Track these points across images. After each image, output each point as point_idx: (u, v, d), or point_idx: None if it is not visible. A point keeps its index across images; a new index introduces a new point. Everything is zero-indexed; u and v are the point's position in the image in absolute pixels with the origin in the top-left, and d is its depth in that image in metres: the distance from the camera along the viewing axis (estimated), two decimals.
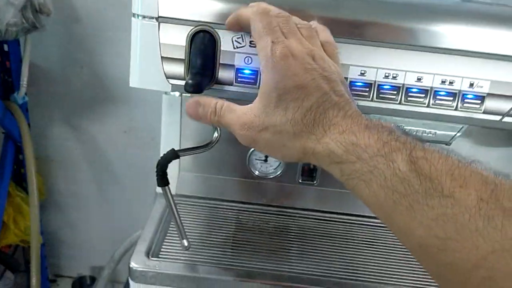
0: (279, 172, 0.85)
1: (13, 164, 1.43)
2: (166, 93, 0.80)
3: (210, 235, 0.77)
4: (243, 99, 0.60)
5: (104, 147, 1.68)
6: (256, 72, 0.58)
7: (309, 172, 0.85)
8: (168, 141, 0.80)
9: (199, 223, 0.80)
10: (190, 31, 0.55)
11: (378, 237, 0.81)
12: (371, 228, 0.83)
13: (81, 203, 1.77)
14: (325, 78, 0.43)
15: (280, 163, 0.85)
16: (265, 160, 0.85)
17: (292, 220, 0.83)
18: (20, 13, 1.13)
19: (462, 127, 0.62)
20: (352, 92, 0.58)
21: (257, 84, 0.58)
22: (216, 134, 0.68)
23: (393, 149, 0.36)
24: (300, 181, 0.86)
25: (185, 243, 0.69)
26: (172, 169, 0.83)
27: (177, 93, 0.79)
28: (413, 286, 0.71)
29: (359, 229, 0.82)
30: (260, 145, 0.45)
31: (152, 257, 0.71)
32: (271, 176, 0.85)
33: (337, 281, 0.70)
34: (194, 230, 0.78)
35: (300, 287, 0.69)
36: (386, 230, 0.83)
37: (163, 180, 0.66)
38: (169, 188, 0.67)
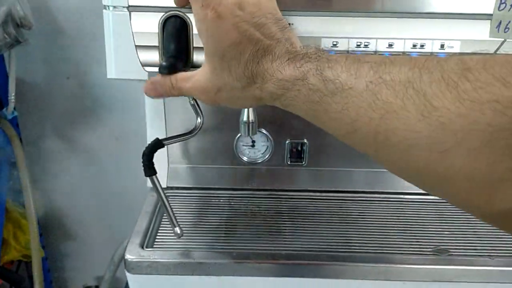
0: (267, 156, 0.86)
1: (8, 180, 1.43)
2: None
3: (203, 223, 0.78)
4: None
5: (98, 155, 1.68)
6: None
7: (297, 154, 0.86)
8: (154, 135, 0.80)
9: (191, 212, 0.81)
10: (161, 17, 0.55)
11: (369, 210, 0.82)
12: (362, 203, 0.84)
13: (79, 214, 1.77)
14: (255, 25, 0.47)
15: (267, 147, 0.86)
16: (253, 146, 0.85)
17: (283, 202, 0.83)
18: (1, 28, 1.14)
19: None
20: None
21: None
22: (199, 120, 0.69)
23: (306, 70, 0.43)
24: (288, 163, 0.86)
25: (178, 230, 0.69)
26: (162, 162, 0.85)
27: None
28: (407, 254, 0.72)
29: (350, 205, 0.83)
30: (221, 103, 0.52)
31: (146, 247, 0.71)
32: (260, 161, 0.86)
33: (333, 254, 0.71)
34: (187, 219, 0.79)
35: (295, 263, 0.69)
36: (377, 203, 0.84)
37: (150, 169, 0.67)
38: (156, 177, 0.67)
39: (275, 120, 0.84)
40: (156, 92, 0.55)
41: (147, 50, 0.58)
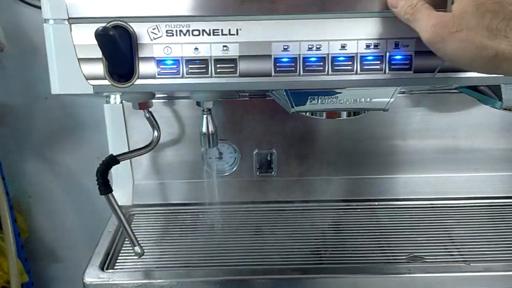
0: (234, 169, 0.83)
1: None
2: (106, 102, 0.78)
3: (167, 240, 0.75)
4: (166, 91, 0.59)
5: (80, 176, 1.65)
6: (178, 62, 0.56)
7: (266, 164, 0.83)
8: (117, 149, 0.78)
9: (156, 229, 0.78)
10: (98, 28, 0.52)
11: (342, 219, 0.79)
12: (334, 212, 0.81)
13: (65, 235, 1.73)
14: None
15: (235, 159, 0.83)
16: (220, 158, 0.83)
17: (252, 215, 0.81)
18: None
19: (396, 90, 0.61)
20: (278, 68, 0.56)
21: (181, 75, 0.56)
22: (156, 134, 0.66)
23: None
24: (257, 174, 0.84)
25: (138, 249, 0.67)
26: (127, 179, 0.82)
27: (118, 101, 0.78)
28: (379, 264, 0.69)
29: (322, 215, 0.81)
30: (449, 45, 0.47)
31: (107, 269, 0.68)
32: (227, 173, 0.83)
33: (302, 267, 0.68)
34: (152, 237, 0.76)
35: (262, 278, 0.66)
36: (350, 211, 0.82)
37: (105, 187, 0.64)
38: (112, 195, 0.65)
39: (242, 131, 0.82)
40: (396, 4, 0.52)
41: (91, 62, 0.56)
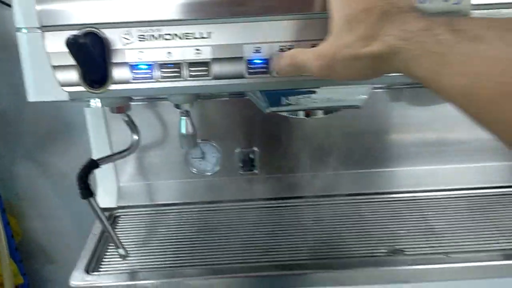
0: (217, 168, 0.84)
1: None
2: (87, 106, 0.79)
3: (152, 241, 0.76)
4: (140, 95, 0.59)
5: (71, 177, 1.65)
6: (151, 66, 0.57)
7: (249, 163, 0.84)
8: (100, 152, 0.78)
9: (141, 231, 0.79)
10: (69, 36, 0.53)
11: (324, 214, 0.80)
12: (317, 207, 0.82)
13: (59, 237, 1.74)
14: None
15: (217, 158, 0.84)
16: (203, 158, 0.84)
17: (236, 213, 0.81)
18: None
19: (368, 88, 0.62)
20: (251, 70, 0.57)
21: (155, 79, 0.57)
22: (135, 137, 0.67)
23: (433, 21, 0.42)
24: (241, 172, 0.85)
25: (122, 251, 0.68)
26: (110, 181, 0.83)
27: (99, 104, 0.78)
28: (360, 257, 0.70)
29: (305, 210, 0.81)
30: (337, 69, 0.48)
31: (92, 272, 0.69)
32: (210, 173, 0.84)
33: (282, 264, 0.69)
34: (136, 239, 0.76)
35: (245, 276, 0.68)
36: (332, 206, 0.83)
37: (86, 191, 0.65)
38: (94, 199, 0.65)
39: (223, 130, 0.83)
40: (278, 67, 0.55)
41: (64, 69, 0.56)
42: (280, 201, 0.84)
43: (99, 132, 0.80)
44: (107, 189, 0.84)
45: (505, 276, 0.69)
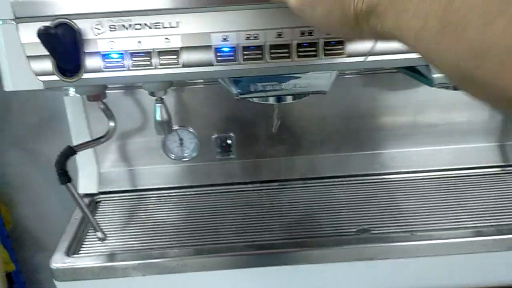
0: (195, 154, 0.86)
1: None
2: (66, 94, 0.81)
3: (131, 225, 0.79)
4: (113, 83, 0.61)
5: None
6: (122, 55, 0.59)
7: (227, 147, 0.87)
8: (79, 139, 0.81)
9: (121, 215, 0.81)
10: (40, 27, 0.55)
11: (296, 197, 0.83)
12: (290, 190, 0.85)
13: (50, 224, 1.76)
14: None
15: (195, 144, 0.86)
16: (181, 143, 0.86)
17: (213, 197, 0.84)
18: None
19: (333, 74, 0.64)
20: (219, 58, 0.59)
21: (126, 67, 0.59)
22: (112, 124, 0.69)
23: None
24: (218, 157, 0.87)
25: (100, 234, 0.70)
26: (91, 168, 0.85)
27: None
28: (328, 237, 0.73)
29: (279, 193, 0.84)
30: (319, 9, 0.45)
31: (73, 254, 0.72)
32: (189, 158, 0.87)
33: (252, 244, 0.72)
34: (117, 223, 0.79)
35: (220, 256, 0.70)
36: (304, 189, 0.86)
37: (64, 177, 0.67)
38: (72, 184, 0.68)
39: (201, 116, 0.85)
40: None
41: (39, 59, 0.58)
42: (256, 184, 0.87)
43: (78, 120, 0.82)
44: (88, 175, 0.86)
45: (468, 252, 0.72)
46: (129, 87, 0.82)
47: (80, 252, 0.73)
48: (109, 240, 0.74)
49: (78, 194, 0.68)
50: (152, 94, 0.70)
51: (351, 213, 0.79)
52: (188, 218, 0.80)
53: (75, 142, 0.83)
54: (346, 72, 0.84)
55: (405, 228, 0.75)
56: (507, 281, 0.75)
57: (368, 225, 0.76)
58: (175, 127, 0.85)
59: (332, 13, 0.45)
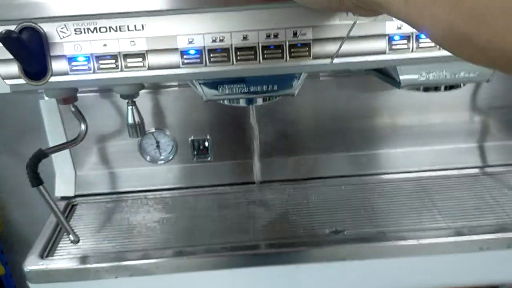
0: (171, 157, 0.87)
1: None
2: (41, 98, 0.81)
3: (107, 228, 0.79)
4: (79, 86, 0.62)
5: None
6: (88, 58, 0.59)
7: (204, 150, 0.87)
8: (55, 142, 0.81)
9: (97, 218, 0.81)
10: (1, 31, 0.55)
11: (271, 199, 0.83)
12: (265, 192, 0.85)
13: (40, 228, 1.76)
14: None
15: (172, 147, 0.86)
16: (158, 146, 0.86)
17: (191, 199, 0.84)
18: None
19: (299, 76, 0.64)
20: (185, 60, 0.60)
21: (92, 70, 0.59)
22: (83, 127, 0.69)
23: None
24: (195, 160, 0.87)
25: (72, 237, 0.70)
26: (68, 170, 0.85)
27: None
28: (301, 237, 0.73)
29: (254, 195, 0.84)
30: None
31: (46, 257, 0.72)
32: (165, 161, 0.87)
33: (224, 246, 0.72)
34: (92, 226, 0.79)
35: (195, 258, 0.71)
36: (278, 191, 0.86)
37: (36, 180, 0.67)
38: (43, 187, 0.68)
39: (177, 119, 0.85)
40: None
41: (5, 63, 0.58)
42: (232, 187, 0.87)
43: (54, 123, 0.82)
44: (65, 179, 0.87)
45: (441, 253, 0.72)
46: (105, 90, 0.83)
47: (55, 254, 0.73)
48: (84, 242, 0.75)
49: (50, 196, 0.68)
50: (124, 96, 0.71)
51: (325, 214, 0.79)
52: (164, 220, 0.80)
53: (51, 144, 0.83)
54: (322, 74, 0.84)
55: (379, 229, 0.75)
56: (481, 281, 0.75)
57: (342, 226, 0.76)
58: (152, 129, 0.85)
59: None
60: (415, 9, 0.36)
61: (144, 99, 0.83)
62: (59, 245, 0.75)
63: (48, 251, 0.73)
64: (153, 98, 0.84)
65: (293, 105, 0.87)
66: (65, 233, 0.75)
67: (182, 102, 0.85)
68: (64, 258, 0.72)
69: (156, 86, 0.83)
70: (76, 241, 0.70)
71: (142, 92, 0.82)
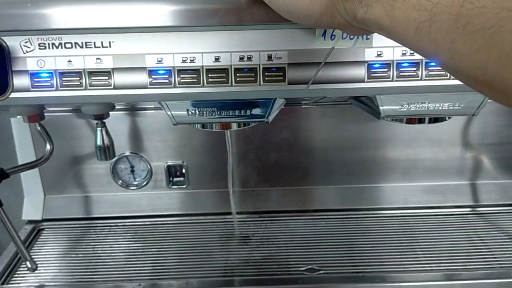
0: (145, 183, 0.83)
1: None
2: (12, 116, 0.78)
3: (70, 255, 0.74)
4: (41, 103, 0.59)
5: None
6: (51, 75, 0.56)
7: (178, 176, 0.83)
8: (25, 161, 0.77)
9: (62, 245, 0.77)
10: None
11: (245, 232, 0.79)
12: (242, 224, 0.81)
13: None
14: None
15: (147, 173, 0.83)
16: (132, 171, 0.83)
17: (162, 229, 0.80)
18: None
19: (276, 102, 0.61)
20: (153, 80, 0.57)
21: (55, 87, 0.56)
22: (48, 147, 0.66)
23: None
24: (170, 186, 0.84)
25: (29, 264, 0.66)
26: (37, 193, 0.82)
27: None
28: (274, 275, 0.69)
29: (230, 228, 0.80)
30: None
31: (3, 284, 0.68)
32: (139, 187, 0.83)
33: (203, 280, 0.68)
34: (55, 253, 0.75)
35: None
36: (251, 224, 0.81)
37: None
38: (3, 209, 0.64)
39: (153, 143, 0.82)
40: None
41: None
42: (207, 217, 0.83)
43: (24, 141, 0.79)
44: (33, 202, 0.83)
45: None
46: (78, 109, 0.79)
47: (11, 282, 0.69)
48: (44, 270, 0.70)
49: (9, 219, 0.64)
50: (93, 117, 0.68)
51: (303, 250, 0.75)
52: (132, 251, 0.75)
53: (20, 163, 0.80)
54: (304, 102, 0.81)
55: (358, 269, 0.70)
56: None
57: (319, 264, 0.71)
58: (126, 153, 0.82)
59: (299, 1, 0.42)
60: (428, 40, 0.35)
61: (119, 121, 0.80)
62: (17, 273, 0.71)
63: (4, 279, 0.69)
64: (128, 120, 0.81)
65: (275, 133, 0.83)
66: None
67: (159, 125, 0.81)
68: (21, 287, 0.67)
69: (132, 108, 0.80)
70: (33, 269, 0.66)
71: (118, 113, 0.80)
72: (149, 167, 0.82)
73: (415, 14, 0.35)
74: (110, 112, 0.78)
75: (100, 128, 0.68)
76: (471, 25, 0.31)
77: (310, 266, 0.70)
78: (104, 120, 0.68)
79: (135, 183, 0.83)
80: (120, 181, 0.83)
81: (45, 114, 0.76)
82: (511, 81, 0.31)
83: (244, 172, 0.84)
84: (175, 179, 0.84)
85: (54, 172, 0.82)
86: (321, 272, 0.69)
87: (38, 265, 0.68)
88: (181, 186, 0.84)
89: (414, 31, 0.35)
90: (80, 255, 0.75)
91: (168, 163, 0.83)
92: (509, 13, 0.29)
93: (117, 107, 0.79)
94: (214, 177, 0.84)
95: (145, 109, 0.80)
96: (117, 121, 0.80)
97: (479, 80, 0.33)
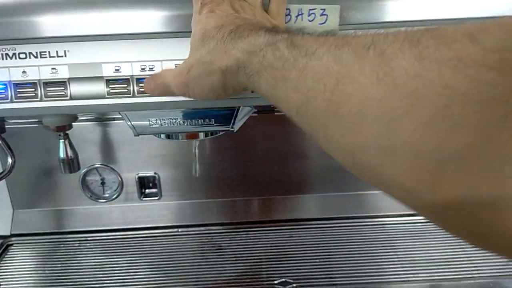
0: (116, 195, 0.81)
1: None
2: None
3: (41, 272, 0.72)
4: None
5: None
6: (5, 86, 0.54)
7: (151, 188, 0.81)
8: None
9: (31, 261, 0.75)
10: None
11: (222, 244, 0.77)
12: (219, 236, 0.79)
13: None
14: (243, 19, 0.47)
15: (118, 185, 0.81)
16: (103, 183, 0.81)
17: (135, 243, 0.78)
18: None
19: (237, 110, 0.59)
20: (111, 90, 0.55)
21: (10, 99, 0.55)
22: (10, 160, 0.64)
23: (278, 38, 0.40)
24: (142, 198, 0.81)
25: None
26: (5, 208, 0.79)
27: None
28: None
29: (203, 239, 0.78)
30: (191, 86, 0.48)
31: None
32: (109, 199, 0.81)
33: None
34: (25, 269, 0.73)
35: None
36: (227, 235, 0.79)
37: None
38: None
39: (124, 153, 0.80)
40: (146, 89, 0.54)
41: None
42: (180, 229, 0.80)
43: None
44: (1, 216, 0.80)
45: None
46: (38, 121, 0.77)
47: None
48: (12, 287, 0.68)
49: None
50: (55, 129, 0.66)
51: (277, 262, 0.72)
52: (102, 265, 0.73)
53: None
54: (276, 109, 0.79)
55: (333, 281, 0.68)
56: None
57: (293, 276, 0.69)
58: (96, 164, 0.80)
59: (202, 86, 0.47)
60: (307, 123, 0.37)
61: (88, 131, 0.78)
62: None
63: None
64: (98, 130, 0.79)
65: (247, 142, 0.81)
66: (3, 281, 0.69)
67: (130, 135, 0.79)
68: None
69: (101, 118, 0.78)
70: None
71: (87, 123, 0.78)
72: (119, 178, 0.80)
73: (294, 97, 0.37)
74: (79, 123, 0.77)
75: (63, 140, 0.66)
76: (340, 111, 0.32)
77: (284, 279, 0.68)
78: (67, 132, 0.66)
79: (106, 195, 0.81)
80: (90, 194, 0.80)
81: (12, 126, 0.75)
82: (378, 169, 0.31)
83: (219, 182, 0.81)
84: (147, 190, 0.82)
85: (23, 186, 0.80)
86: (294, 285, 0.67)
87: (6, 283, 0.66)
88: (153, 198, 0.81)
89: (295, 113, 0.37)
90: (49, 271, 0.73)
91: (140, 174, 0.81)
92: (372, 101, 0.30)
93: (85, 118, 0.77)
94: (188, 188, 0.82)
95: (114, 119, 0.78)
96: (86, 131, 0.78)
97: (349, 166, 0.34)
